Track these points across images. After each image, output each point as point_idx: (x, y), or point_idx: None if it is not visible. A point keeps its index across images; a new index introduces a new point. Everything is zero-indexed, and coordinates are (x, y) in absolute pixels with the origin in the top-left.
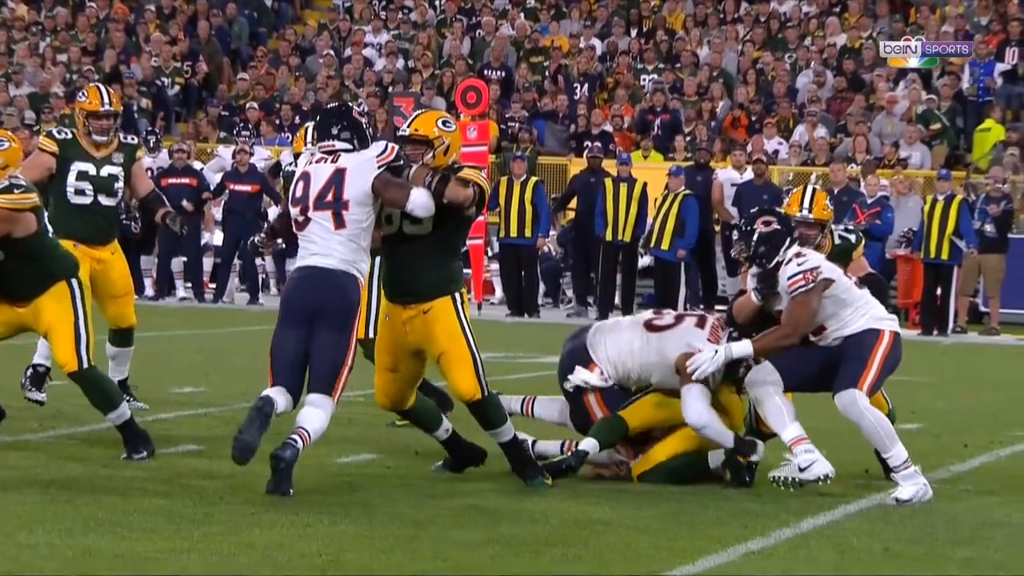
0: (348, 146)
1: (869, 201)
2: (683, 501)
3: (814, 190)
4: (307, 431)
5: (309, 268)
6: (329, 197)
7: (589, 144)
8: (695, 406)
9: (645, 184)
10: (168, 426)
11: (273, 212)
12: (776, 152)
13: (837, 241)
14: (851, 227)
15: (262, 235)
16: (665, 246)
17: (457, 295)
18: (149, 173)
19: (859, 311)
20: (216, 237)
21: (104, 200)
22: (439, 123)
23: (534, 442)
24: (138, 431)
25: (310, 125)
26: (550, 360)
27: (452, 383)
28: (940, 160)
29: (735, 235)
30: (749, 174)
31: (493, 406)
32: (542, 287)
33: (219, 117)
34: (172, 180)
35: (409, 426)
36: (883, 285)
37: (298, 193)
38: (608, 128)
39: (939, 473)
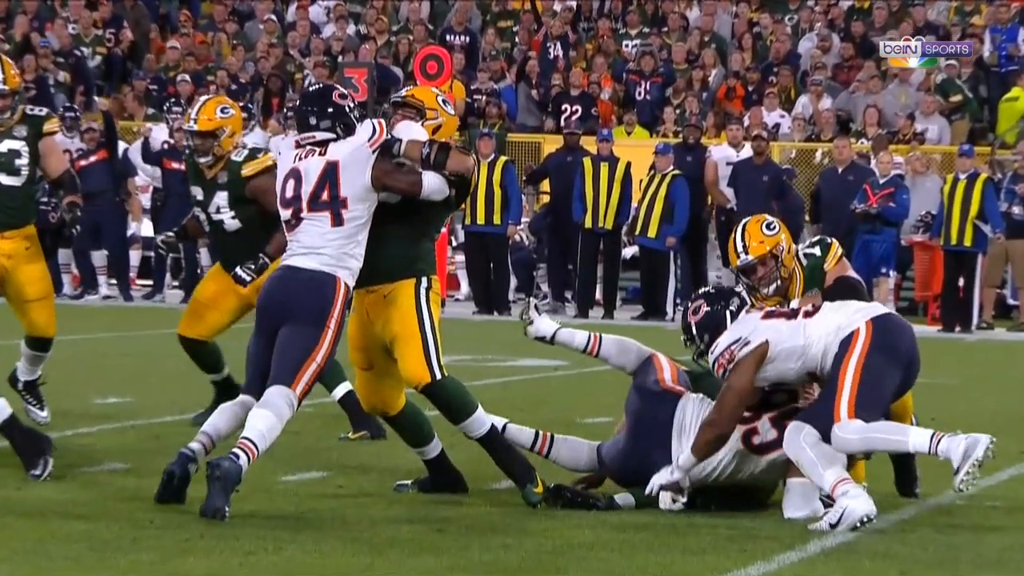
0: (331, 135)
1: (882, 181)
2: (674, 522)
3: (743, 228)
4: (251, 442)
5: (287, 269)
6: (324, 196)
7: (567, 108)
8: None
9: (629, 164)
10: (91, 441)
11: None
12: (777, 126)
13: (804, 261)
14: (813, 241)
15: (170, 234)
16: (652, 233)
17: (423, 279)
18: (68, 156)
19: (827, 336)
20: (145, 227)
21: (4, 179)
22: (440, 99)
23: (504, 426)
24: (28, 436)
25: (203, 99)
26: (523, 363)
27: (400, 368)
28: (961, 135)
29: (682, 334)
30: (747, 151)
31: (452, 391)
32: (513, 281)
33: (146, 91)
34: (84, 163)
35: (365, 439)
36: (858, 290)
37: (288, 194)
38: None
39: None
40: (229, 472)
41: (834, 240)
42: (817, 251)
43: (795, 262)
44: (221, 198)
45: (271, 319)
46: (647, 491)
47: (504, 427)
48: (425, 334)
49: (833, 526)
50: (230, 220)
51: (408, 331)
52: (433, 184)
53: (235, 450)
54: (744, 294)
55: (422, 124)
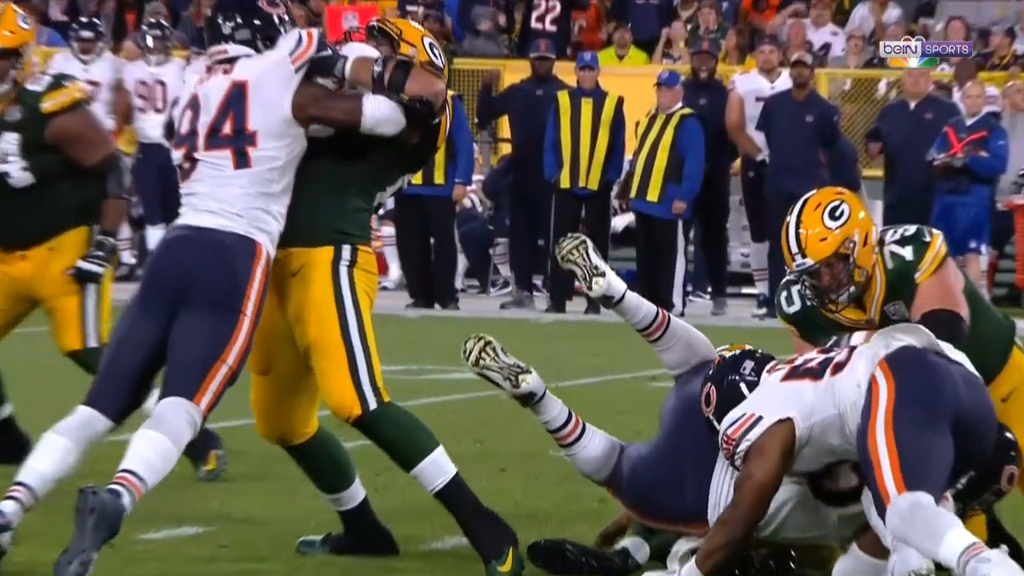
0: (248, 49)
1: (969, 122)
2: None
3: (798, 217)
4: (135, 476)
5: (186, 230)
6: (226, 129)
7: (537, 20)
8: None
9: (620, 100)
10: None
11: None
12: (826, 47)
13: (889, 263)
14: (906, 235)
15: None
16: (653, 196)
17: (343, 249)
18: None
19: (854, 394)
20: None
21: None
22: (427, 41)
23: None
24: None
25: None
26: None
27: (321, 391)
28: None
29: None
30: (784, 82)
31: (395, 425)
32: (461, 262)
33: None
34: None
35: (223, 465)
36: (955, 328)
37: (184, 129)
38: None
39: None
40: (106, 507)
41: (936, 234)
42: (908, 253)
43: (877, 256)
44: (9, 142)
45: (164, 299)
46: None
47: (541, 398)
48: (350, 340)
49: None
50: (19, 172)
51: (326, 337)
52: (380, 111)
53: (114, 486)
54: (792, 299)
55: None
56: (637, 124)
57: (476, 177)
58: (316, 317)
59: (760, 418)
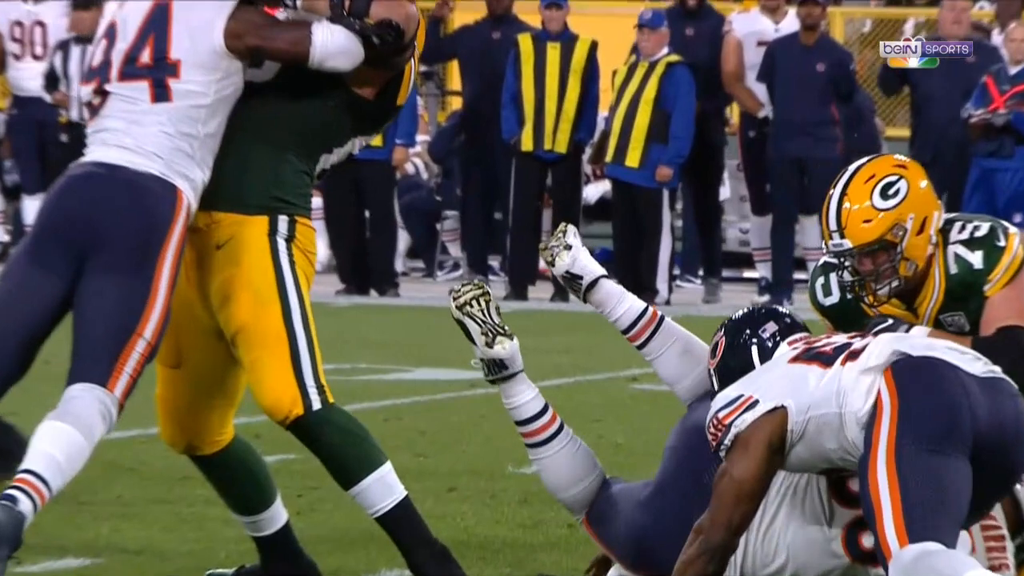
0: None
1: (1013, 71)
2: None
3: (843, 188)
4: (39, 478)
5: (91, 166)
6: (145, 57)
7: None
8: None
9: (594, 45)
10: None
11: None
12: None
13: (952, 268)
14: (976, 236)
15: None
16: (633, 161)
17: (280, 220)
18: None
19: (860, 400)
20: None
21: None
22: None
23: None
24: None
25: None
26: (417, 376)
27: (251, 385)
28: None
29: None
30: (790, 23)
31: (341, 431)
32: (403, 239)
33: None
34: None
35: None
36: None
37: (96, 61)
38: None
39: None
40: (1, 521)
41: (1013, 234)
42: (977, 260)
43: (937, 249)
44: None
45: (64, 251)
46: None
47: (512, 376)
48: (293, 328)
49: None
50: None
51: (265, 322)
52: (334, 41)
53: (10, 491)
54: (831, 287)
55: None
56: (614, 74)
57: (420, 138)
58: (251, 297)
59: (756, 403)
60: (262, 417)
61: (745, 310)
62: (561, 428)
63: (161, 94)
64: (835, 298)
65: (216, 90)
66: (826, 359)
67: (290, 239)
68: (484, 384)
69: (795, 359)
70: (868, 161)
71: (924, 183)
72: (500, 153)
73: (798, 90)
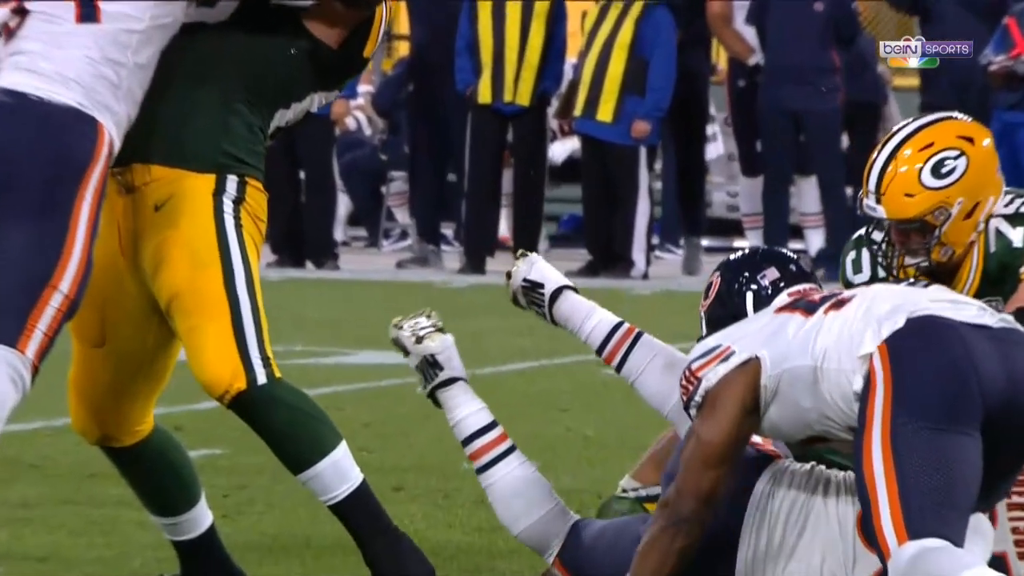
0: None
1: None
2: None
3: (897, 145)
4: None
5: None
6: None
7: None
8: None
9: None
10: None
11: None
12: None
13: (991, 246)
14: (1022, 207)
15: None
16: (605, 115)
17: (229, 180)
18: None
19: (840, 361)
20: None
21: None
22: None
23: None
24: None
25: None
26: (361, 360)
27: (189, 358)
28: None
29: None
30: None
31: (286, 407)
32: (343, 204)
33: None
34: None
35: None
36: None
37: None
38: None
39: None
40: None
41: None
42: (1017, 237)
43: (979, 235)
44: None
45: None
46: None
47: (450, 382)
48: (236, 294)
49: None
50: None
51: (204, 286)
52: None
53: None
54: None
55: None
56: (584, 15)
57: (362, 88)
58: (190, 259)
59: (732, 354)
60: (183, 406)
61: (747, 250)
62: (512, 449)
63: (88, 13)
64: (865, 276)
65: (152, 16)
66: (811, 307)
67: (239, 201)
68: None
69: (782, 308)
70: (932, 123)
71: (988, 162)
72: (454, 106)
73: (793, 33)
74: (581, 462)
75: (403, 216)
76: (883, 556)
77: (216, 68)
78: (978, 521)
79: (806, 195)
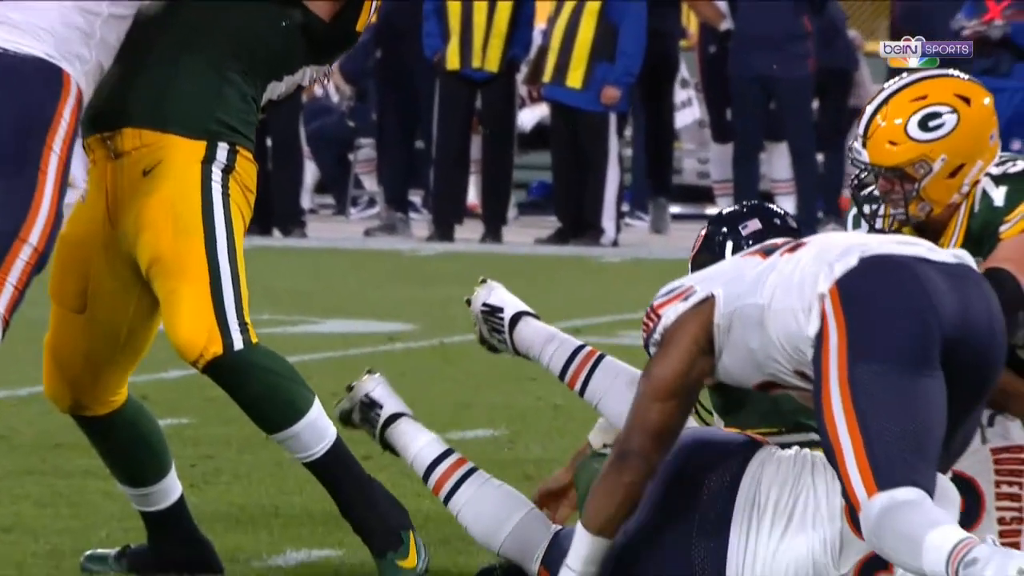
0: None
1: None
2: None
3: (890, 94)
4: None
5: None
6: None
7: None
8: None
9: None
10: None
11: None
12: None
13: (976, 205)
14: (1011, 168)
15: None
16: (575, 81)
17: (219, 147)
18: None
19: (789, 303)
20: None
21: None
22: None
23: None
24: None
25: None
26: (329, 328)
27: (165, 322)
28: None
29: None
30: None
31: (262, 371)
32: (310, 172)
33: None
34: None
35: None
36: (1013, 300)
37: None
38: None
39: None
40: None
41: None
42: (999, 196)
43: (963, 198)
44: None
45: None
46: None
47: (393, 419)
48: (216, 260)
49: None
50: None
51: (185, 251)
52: None
53: None
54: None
55: None
56: None
57: None
58: (171, 224)
59: (693, 293)
60: (150, 375)
61: (738, 205)
62: (472, 471)
63: None
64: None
65: None
66: (771, 251)
67: (228, 170)
68: (404, 338)
69: (748, 253)
70: (929, 77)
71: (981, 125)
72: (422, 72)
73: None
74: (551, 432)
75: (371, 183)
76: (854, 510)
77: (210, 37)
78: (944, 489)
79: (777, 162)
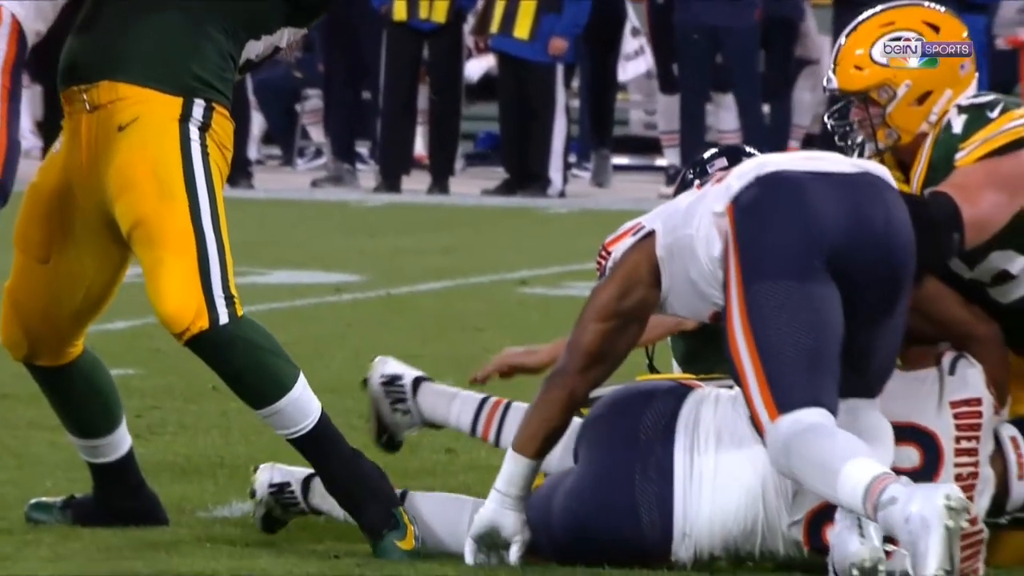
0: None
1: None
2: None
3: (858, 23)
4: None
5: None
6: None
7: None
8: None
9: None
10: None
11: None
12: None
13: (941, 133)
14: (976, 100)
15: None
16: (522, 32)
17: (198, 108)
18: None
19: (707, 233)
20: None
21: None
22: None
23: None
24: None
25: None
26: (275, 279)
27: (151, 291)
28: None
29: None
30: None
31: (248, 345)
32: (256, 123)
33: None
34: None
35: None
36: (941, 223)
37: None
38: None
39: None
40: None
41: (1014, 115)
42: (958, 124)
43: (932, 127)
44: None
45: None
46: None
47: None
48: (202, 228)
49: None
50: None
51: (170, 217)
52: None
53: None
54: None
55: None
56: None
57: None
58: (154, 188)
59: (642, 229)
60: (96, 326)
61: (720, 146)
62: (404, 493)
63: None
64: None
65: None
66: (708, 182)
67: (204, 128)
68: (351, 289)
69: (696, 187)
70: (899, 6)
71: (947, 54)
72: (369, 23)
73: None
74: (499, 387)
75: (318, 134)
76: (760, 433)
77: None
78: (875, 427)
79: (724, 113)
